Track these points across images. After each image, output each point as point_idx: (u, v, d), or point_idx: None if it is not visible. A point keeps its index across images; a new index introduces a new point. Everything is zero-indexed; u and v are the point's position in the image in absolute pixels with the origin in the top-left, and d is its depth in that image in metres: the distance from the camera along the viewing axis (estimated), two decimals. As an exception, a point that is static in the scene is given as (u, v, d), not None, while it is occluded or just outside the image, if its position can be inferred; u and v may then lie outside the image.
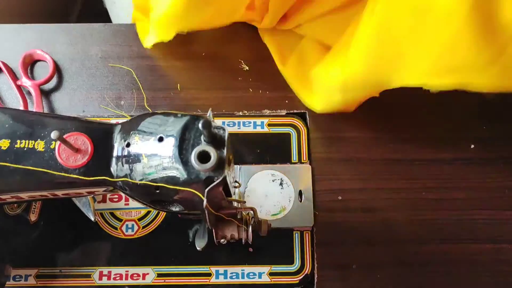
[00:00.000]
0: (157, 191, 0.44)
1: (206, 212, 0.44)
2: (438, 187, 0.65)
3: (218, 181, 0.41)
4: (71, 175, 0.45)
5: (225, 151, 0.42)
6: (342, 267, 0.63)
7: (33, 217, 0.62)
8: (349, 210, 0.65)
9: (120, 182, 0.45)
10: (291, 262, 0.63)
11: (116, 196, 0.66)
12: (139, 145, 0.44)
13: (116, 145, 0.46)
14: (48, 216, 0.64)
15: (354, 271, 0.63)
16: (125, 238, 0.64)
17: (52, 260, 0.63)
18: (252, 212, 0.52)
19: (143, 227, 0.64)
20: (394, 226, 0.64)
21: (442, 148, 0.67)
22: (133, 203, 0.65)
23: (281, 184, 0.65)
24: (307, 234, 0.64)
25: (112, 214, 0.65)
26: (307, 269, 0.63)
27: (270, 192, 0.64)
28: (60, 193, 0.48)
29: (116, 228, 0.64)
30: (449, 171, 0.66)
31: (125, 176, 0.44)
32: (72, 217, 0.65)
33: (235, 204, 0.54)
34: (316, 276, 0.62)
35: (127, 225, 0.64)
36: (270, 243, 0.64)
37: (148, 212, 0.65)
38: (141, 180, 0.44)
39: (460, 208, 0.64)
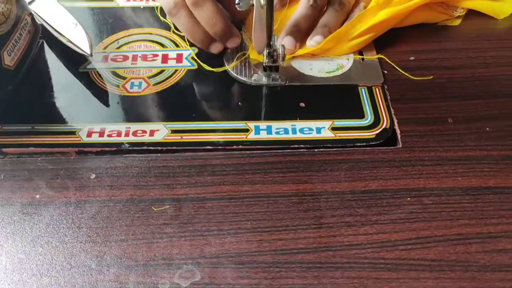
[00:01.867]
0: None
1: None
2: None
3: None
4: None
5: None
6: (431, 122, 0.44)
7: (8, 60, 0.46)
8: (428, 68, 0.49)
9: None
10: (360, 116, 0.45)
11: (120, 55, 0.50)
12: None
13: None
14: (27, 61, 0.48)
15: (450, 125, 0.44)
16: (128, 94, 0.47)
17: (23, 116, 0.44)
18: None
19: (154, 85, 0.47)
20: (493, 81, 0.48)
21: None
22: (141, 62, 0.49)
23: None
24: (377, 89, 0.47)
25: (114, 73, 0.49)
26: (384, 124, 0.44)
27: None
28: None
29: (117, 86, 0.47)
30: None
31: None
32: (58, 64, 0.49)
33: None
34: (398, 131, 0.44)
35: (132, 83, 0.48)
36: (328, 98, 0.47)
37: (162, 71, 0.49)
38: None
39: None
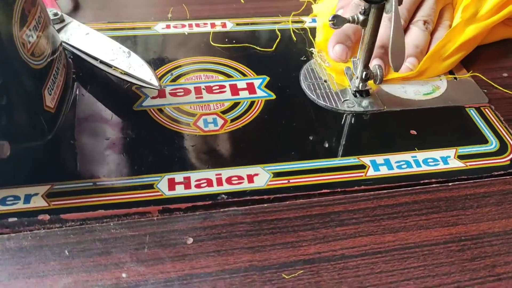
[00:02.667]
0: None
1: None
2: None
3: None
4: None
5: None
6: (561, 142, 0.39)
7: (48, 101, 0.35)
8: (527, 84, 0.45)
9: None
10: (482, 141, 0.39)
11: (180, 89, 0.41)
12: None
13: None
14: (66, 101, 0.38)
15: None
16: (205, 134, 0.38)
17: (77, 170, 0.34)
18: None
19: (232, 120, 0.39)
20: None
21: None
22: (208, 96, 0.41)
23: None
24: (486, 109, 0.41)
25: (178, 109, 0.39)
26: (512, 148, 0.38)
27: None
28: None
29: (188, 125, 0.38)
30: None
31: None
32: (105, 103, 0.39)
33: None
34: (530, 154, 0.38)
35: (205, 120, 0.39)
36: (438, 123, 0.40)
37: (237, 104, 0.40)
38: None
39: None
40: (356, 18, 0.37)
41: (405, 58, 0.43)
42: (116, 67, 0.38)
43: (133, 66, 0.38)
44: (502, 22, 0.49)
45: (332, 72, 0.43)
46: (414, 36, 0.44)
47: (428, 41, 0.45)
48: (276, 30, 0.49)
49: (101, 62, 0.39)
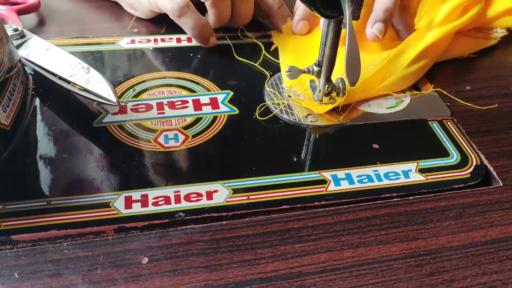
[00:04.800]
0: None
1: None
2: None
3: None
4: None
5: None
6: (521, 155, 0.39)
7: (3, 118, 0.35)
8: (489, 97, 0.45)
9: None
10: (444, 154, 0.39)
11: (141, 104, 0.41)
12: None
13: None
14: (24, 119, 0.37)
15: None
16: (165, 150, 0.37)
17: (32, 189, 0.33)
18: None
19: (194, 136, 0.38)
20: None
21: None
22: (170, 111, 0.40)
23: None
24: (448, 122, 0.42)
25: (139, 126, 0.39)
26: (473, 160, 0.38)
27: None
28: None
29: (148, 141, 0.38)
30: None
31: None
32: (64, 120, 0.39)
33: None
34: (491, 167, 0.38)
35: (165, 136, 0.38)
36: (401, 136, 0.40)
37: (199, 119, 0.40)
38: None
39: None
40: (311, 69, 0.39)
41: (373, 23, 0.43)
42: (75, 83, 0.37)
43: (92, 82, 0.37)
44: (464, 35, 0.49)
45: (309, 105, 0.42)
46: None
47: (398, 3, 0.44)
48: (243, 44, 0.49)
49: (60, 78, 0.38)
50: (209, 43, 0.47)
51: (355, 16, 0.34)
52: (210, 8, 0.47)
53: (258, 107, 0.41)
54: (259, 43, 0.49)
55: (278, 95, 0.42)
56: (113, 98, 0.36)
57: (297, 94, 0.43)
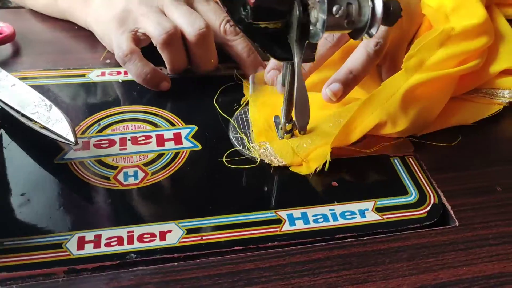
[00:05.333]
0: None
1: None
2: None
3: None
4: None
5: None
6: (481, 193, 0.39)
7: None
8: (453, 131, 0.45)
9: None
10: (402, 192, 0.39)
11: (105, 140, 0.41)
12: None
13: None
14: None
15: (503, 194, 0.39)
16: (123, 188, 0.37)
17: (-14, 230, 0.34)
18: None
19: (154, 173, 0.39)
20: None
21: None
22: (133, 147, 0.41)
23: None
24: (410, 159, 0.42)
25: (100, 162, 0.39)
26: (431, 199, 0.38)
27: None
28: None
29: (107, 178, 0.38)
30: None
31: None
32: (25, 157, 0.39)
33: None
34: (449, 206, 0.38)
35: (125, 173, 0.39)
36: (360, 173, 0.40)
37: (161, 155, 0.40)
38: None
39: None
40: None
41: (331, 83, 0.41)
42: (36, 121, 0.38)
43: (52, 120, 0.38)
44: (465, 99, 0.47)
45: (292, 168, 0.40)
46: (353, 57, 0.41)
47: (371, 68, 0.41)
48: (212, 78, 0.49)
49: (23, 115, 0.39)
50: (159, 87, 0.46)
51: (310, 59, 0.34)
52: (161, 52, 0.46)
53: (221, 145, 0.41)
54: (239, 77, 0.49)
55: (242, 134, 0.42)
56: (71, 137, 0.36)
57: (271, 153, 0.40)
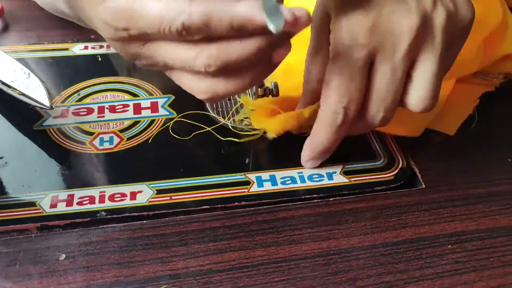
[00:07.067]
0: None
1: None
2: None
3: None
4: None
5: None
6: (449, 157, 0.40)
7: None
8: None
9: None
10: (372, 157, 0.40)
11: (83, 108, 0.42)
12: None
13: None
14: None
15: (472, 159, 0.40)
16: (99, 152, 0.39)
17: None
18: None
19: (129, 139, 0.40)
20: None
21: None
22: (110, 115, 0.42)
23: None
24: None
25: (78, 129, 0.41)
26: (400, 163, 0.39)
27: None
28: None
29: (83, 143, 0.39)
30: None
31: None
32: (5, 123, 0.41)
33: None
34: (417, 169, 0.39)
35: (101, 138, 0.40)
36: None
37: (136, 123, 0.41)
38: None
39: None
40: None
41: (306, 160, 0.38)
42: (15, 88, 0.39)
43: (30, 87, 0.39)
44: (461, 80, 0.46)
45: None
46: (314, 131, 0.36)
47: (338, 141, 0.36)
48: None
49: (3, 83, 0.40)
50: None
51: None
52: None
53: (196, 113, 0.42)
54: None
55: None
56: (46, 102, 0.37)
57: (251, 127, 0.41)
